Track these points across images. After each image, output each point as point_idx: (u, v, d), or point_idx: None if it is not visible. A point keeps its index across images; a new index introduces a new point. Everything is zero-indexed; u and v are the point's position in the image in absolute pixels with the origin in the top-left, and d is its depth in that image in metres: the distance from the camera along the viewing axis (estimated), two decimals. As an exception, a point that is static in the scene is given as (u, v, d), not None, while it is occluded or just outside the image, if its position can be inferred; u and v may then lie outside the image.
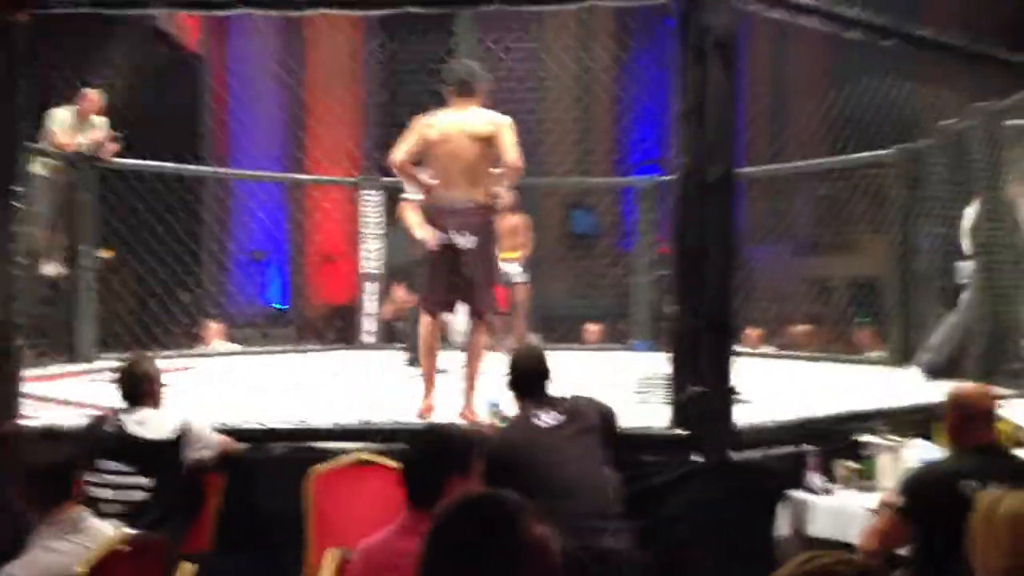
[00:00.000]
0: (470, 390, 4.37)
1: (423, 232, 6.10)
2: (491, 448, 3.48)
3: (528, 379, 3.56)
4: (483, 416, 4.04)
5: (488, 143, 4.29)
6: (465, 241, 4.30)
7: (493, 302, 4.44)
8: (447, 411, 4.37)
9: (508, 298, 8.25)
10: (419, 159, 4.47)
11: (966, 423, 3.12)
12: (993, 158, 5.82)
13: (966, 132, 6.10)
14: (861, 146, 7.02)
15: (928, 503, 2.95)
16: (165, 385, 3.79)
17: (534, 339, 9.68)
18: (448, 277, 4.36)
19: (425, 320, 4.52)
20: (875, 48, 4.82)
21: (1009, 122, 5.79)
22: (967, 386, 3.38)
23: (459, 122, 4.32)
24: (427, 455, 2.58)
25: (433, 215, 4.42)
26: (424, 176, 4.52)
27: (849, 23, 4.45)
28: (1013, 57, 5.66)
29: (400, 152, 4.45)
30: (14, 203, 4.04)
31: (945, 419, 3.22)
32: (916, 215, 6.93)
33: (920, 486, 3.04)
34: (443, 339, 6.28)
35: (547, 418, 3.43)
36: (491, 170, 4.38)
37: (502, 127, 4.30)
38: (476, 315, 4.45)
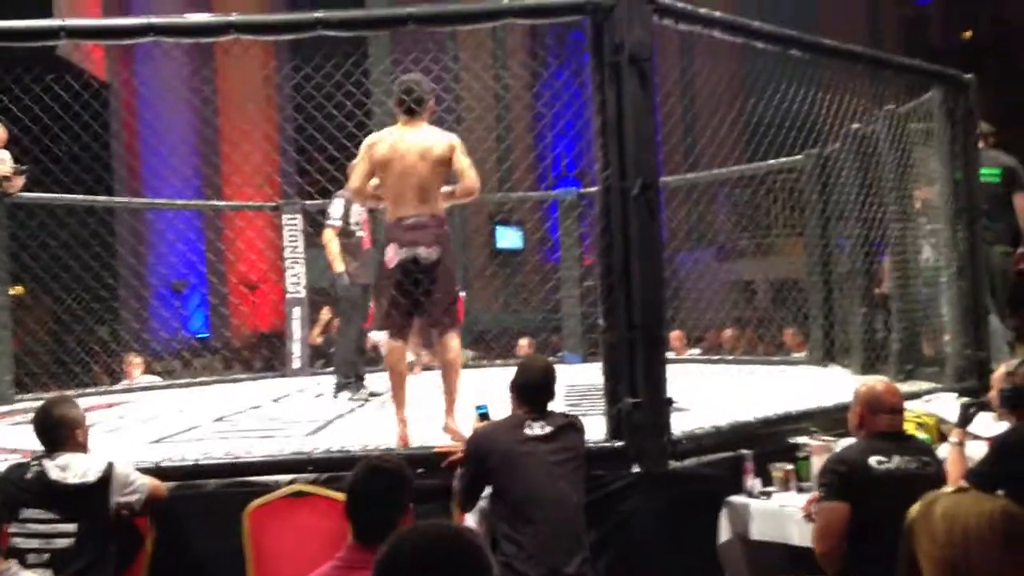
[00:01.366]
0: (450, 403, 4.34)
1: (340, 266, 6.04)
2: (474, 439, 3.48)
3: (530, 389, 3.56)
4: (468, 424, 3.98)
5: (440, 162, 4.30)
6: (428, 253, 4.29)
7: (453, 314, 4.42)
8: (426, 427, 4.34)
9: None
10: (372, 178, 4.46)
11: (872, 415, 3.29)
12: (900, 160, 6.03)
13: (872, 135, 6.31)
14: (774, 152, 7.22)
15: (842, 479, 3.11)
16: (91, 425, 3.66)
17: (467, 355, 9.70)
18: (411, 293, 4.33)
19: (393, 346, 4.49)
20: (783, 58, 4.98)
21: (914, 125, 6.01)
22: (872, 381, 3.51)
23: (410, 141, 4.31)
24: (379, 490, 2.55)
25: (393, 232, 4.38)
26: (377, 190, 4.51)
27: (757, 35, 4.58)
28: (910, 62, 5.90)
29: (355, 180, 4.48)
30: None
31: (853, 412, 3.37)
32: (832, 217, 7.13)
33: (833, 465, 3.21)
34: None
35: (536, 428, 3.44)
36: (443, 188, 4.39)
37: (456, 148, 4.34)
38: (442, 327, 4.40)
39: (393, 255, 4.33)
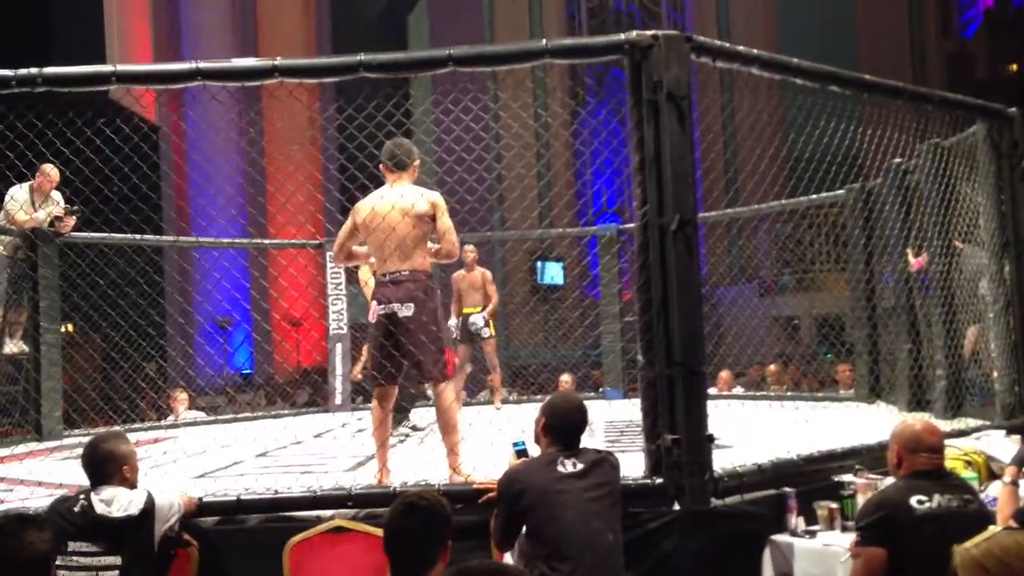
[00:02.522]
0: (453, 455, 4.36)
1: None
2: (507, 478, 3.47)
3: (560, 426, 3.56)
4: (504, 460, 3.97)
5: (420, 219, 4.40)
6: (403, 310, 4.37)
7: (442, 367, 4.45)
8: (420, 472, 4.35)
9: (465, 356, 8.30)
10: (359, 242, 4.60)
11: (911, 454, 3.23)
12: (944, 194, 5.96)
13: (914, 170, 6.25)
14: (815, 187, 7.18)
15: (882, 523, 3.05)
16: (140, 459, 3.72)
17: (504, 392, 9.70)
18: (390, 348, 4.41)
19: (376, 393, 4.56)
20: (824, 93, 4.96)
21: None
22: (911, 420, 3.45)
23: (391, 199, 4.43)
24: (417, 527, 2.55)
25: (376, 288, 4.53)
26: (362, 250, 4.66)
27: (795, 71, 4.58)
28: (952, 97, 5.85)
29: (338, 238, 4.63)
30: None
31: (891, 451, 3.32)
32: (875, 252, 7.05)
33: (874, 509, 3.14)
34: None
35: (569, 465, 3.43)
36: (426, 243, 4.48)
37: (437, 207, 4.43)
38: (429, 381, 4.46)
39: (374, 311, 4.46)
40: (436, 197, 4.46)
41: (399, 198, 4.41)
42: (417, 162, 4.61)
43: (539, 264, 14.45)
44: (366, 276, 6.37)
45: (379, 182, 4.89)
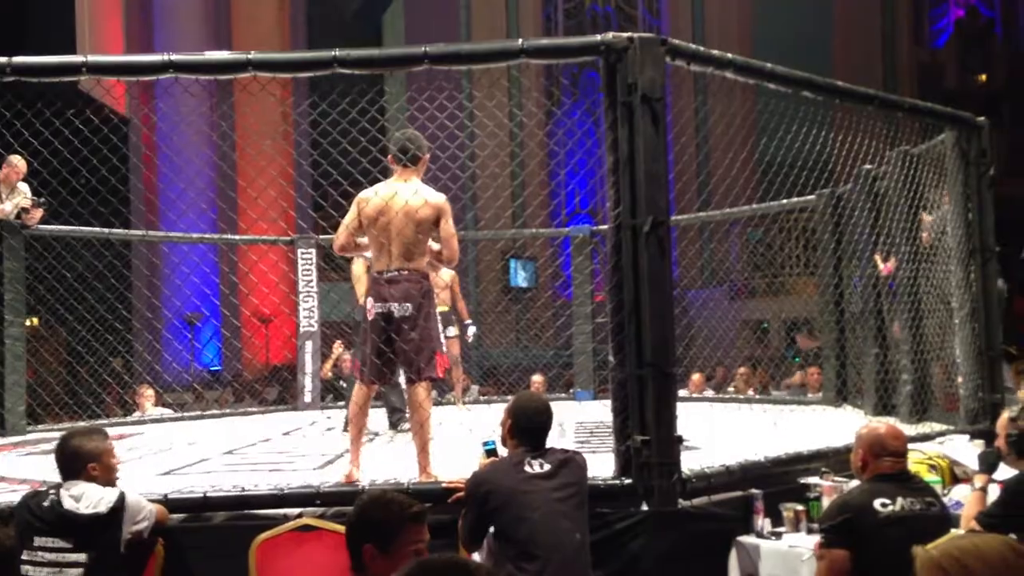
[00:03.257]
0: (423, 454, 4.34)
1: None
2: (474, 479, 3.47)
3: (527, 427, 3.55)
4: (474, 459, 3.96)
5: (424, 222, 4.37)
6: (399, 309, 4.34)
7: (430, 368, 4.44)
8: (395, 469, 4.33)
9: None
10: (362, 233, 4.54)
11: (875, 458, 3.27)
12: (912, 200, 6.04)
13: (884, 176, 6.33)
14: (787, 192, 7.24)
15: (846, 525, 3.09)
16: (116, 460, 3.66)
17: (473, 391, 9.70)
18: (384, 346, 4.39)
19: (360, 389, 4.54)
20: (797, 98, 5.01)
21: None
22: (875, 424, 3.50)
23: (397, 198, 4.37)
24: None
25: (372, 286, 4.48)
26: (364, 241, 4.58)
27: (770, 76, 4.61)
28: (923, 104, 5.93)
29: (341, 231, 4.54)
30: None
31: (855, 454, 3.36)
32: (844, 257, 7.12)
33: (837, 511, 3.18)
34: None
35: (536, 466, 3.43)
36: (427, 243, 4.45)
37: (443, 212, 4.39)
38: (411, 381, 4.45)
39: (370, 308, 4.42)
40: (442, 201, 4.41)
41: (406, 199, 4.34)
42: (427, 156, 4.54)
43: (512, 263, 14.47)
44: (360, 271, 6.31)
45: (352, 179, 4.86)
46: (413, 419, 4.44)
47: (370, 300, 4.43)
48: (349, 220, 4.50)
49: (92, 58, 4.15)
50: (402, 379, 4.84)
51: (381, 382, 4.53)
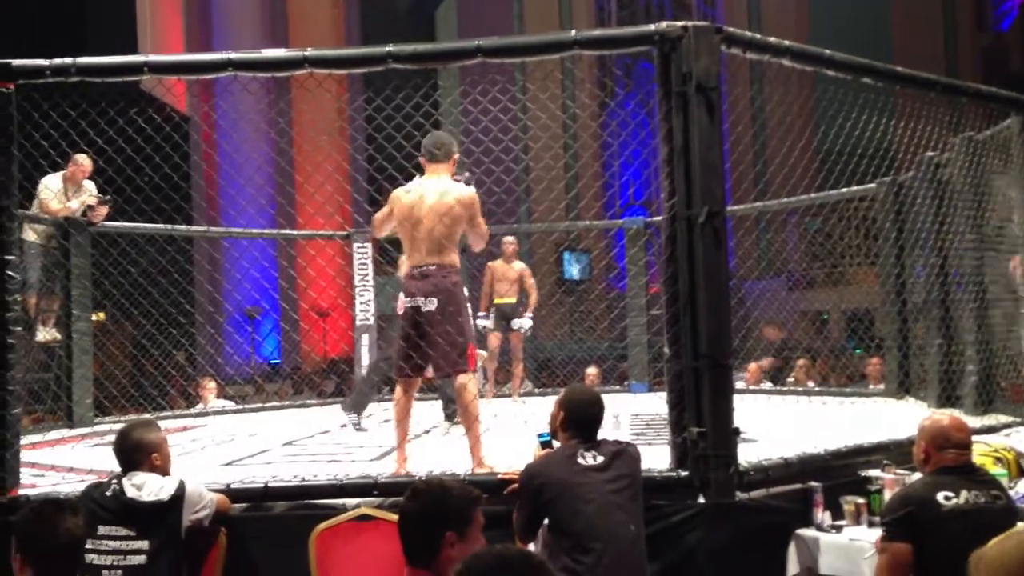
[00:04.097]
0: (475, 447, 4.39)
1: None
2: (528, 472, 3.48)
3: (579, 419, 3.56)
4: (529, 451, 3.98)
5: (453, 218, 4.45)
6: (427, 304, 4.41)
7: (464, 361, 4.47)
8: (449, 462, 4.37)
9: (498, 346, 8.36)
10: (393, 227, 4.67)
11: (938, 451, 3.21)
12: (977, 188, 5.88)
13: (947, 164, 6.18)
14: (846, 181, 7.11)
15: (908, 519, 3.04)
16: (172, 447, 3.77)
17: (528, 384, 9.72)
18: (414, 341, 4.43)
19: (398, 387, 4.60)
20: (856, 85, 4.91)
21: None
22: (938, 416, 3.43)
23: (427, 195, 4.47)
24: (420, 511, 2.53)
25: (404, 281, 4.58)
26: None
27: (827, 63, 4.53)
28: (987, 90, 5.77)
29: (375, 222, 4.72)
30: (9, 272, 4.04)
31: (918, 447, 3.30)
32: (906, 246, 6.97)
33: (900, 504, 3.12)
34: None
35: (589, 458, 3.43)
36: (456, 240, 4.52)
37: (471, 208, 4.48)
38: (447, 376, 4.48)
39: (401, 303, 4.53)
40: (471, 197, 4.50)
41: (435, 196, 4.44)
42: (456, 155, 4.64)
43: (565, 256, 14.44)
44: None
45: (407, 173, 4.91)
46: (464, 414, 4.49)
47: (401, 295, 4.54)
48: (382, 213, 4.66)
49: (153, 58, 4.25)
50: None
51: (413, 375, 4.57)
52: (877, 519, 3.74)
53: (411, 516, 2.53)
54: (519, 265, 8.35)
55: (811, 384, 9.15)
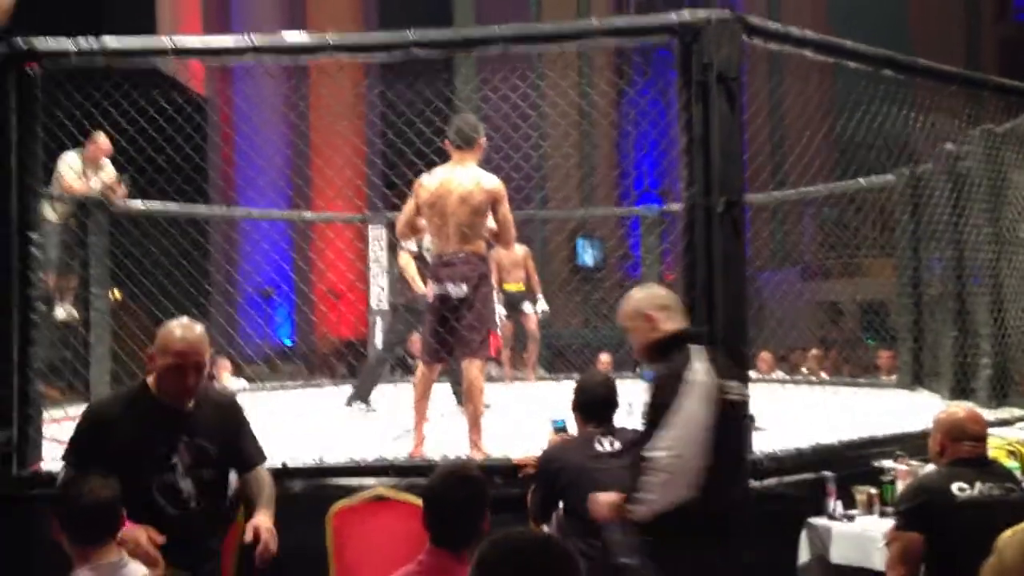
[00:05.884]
0: (474, 429, 4.43)
1: (422, 287, 6.32)
2: (545, 456, 3.52)
3: (593, 405, 3.59)
4: (545, 434, 4.02)
5: (480, 206, 4.48)
6: (456, 290, 4.45)
7: (484, 348, 4.53)
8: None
9: (510, 333, 8.40)
10: (419, 216, 4.70)
11: (953, 443, 3.22)
12: (995, 181, 5.87)
13: (966, 156, 6.16)
14: (864, 172, 7.10)
15: (922, 509, 3.06)
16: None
17: (540, 370, 9.75)
18: (443, 326, 4.49)
19: (421, 368, 4.66)
20: (875, 76, 4.90)
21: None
22: (954, 408, 3.44)
23: (453, 183, 4.49)
24: (468, 498, 2.58)
25: (432, 268, 4.63)
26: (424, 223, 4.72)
27: (849, 55, 4.53)
28: (1009, 83, 5.74)
29: (401, 218, 4.78)
30: (30, 249, 4.09)
31: (933, 439, 3.31)
32: (923, 238, 6.96)
33: (913, 494, 3.15)
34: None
35: (606, 444, 3.46)
36: (483, 228, 4.55)
37: (498, 197, 4.50)
38: (464, 358, 4.53)
39: (429, 290, 4.61)
40: (497, 187, 4.51)
41: (461, 184, 4.46)
42: (483, 140, 4.63)
43: (579, 242, 14.44)
44: (405, 261, 6.53)
45: (424, 158, 4.93)
46: (467, 394, 4.53)
47: (430, 282, 4.59)
48: (408, 207, 4.66)
49: (179, 40, 4.28)
50: None
51: (438, 361, 4.63)
52: (889, 509, 3.77)
53: (459, 502, 2.55)
54: (521, 249, 8.39)
55: (823, 375, 9.16)
